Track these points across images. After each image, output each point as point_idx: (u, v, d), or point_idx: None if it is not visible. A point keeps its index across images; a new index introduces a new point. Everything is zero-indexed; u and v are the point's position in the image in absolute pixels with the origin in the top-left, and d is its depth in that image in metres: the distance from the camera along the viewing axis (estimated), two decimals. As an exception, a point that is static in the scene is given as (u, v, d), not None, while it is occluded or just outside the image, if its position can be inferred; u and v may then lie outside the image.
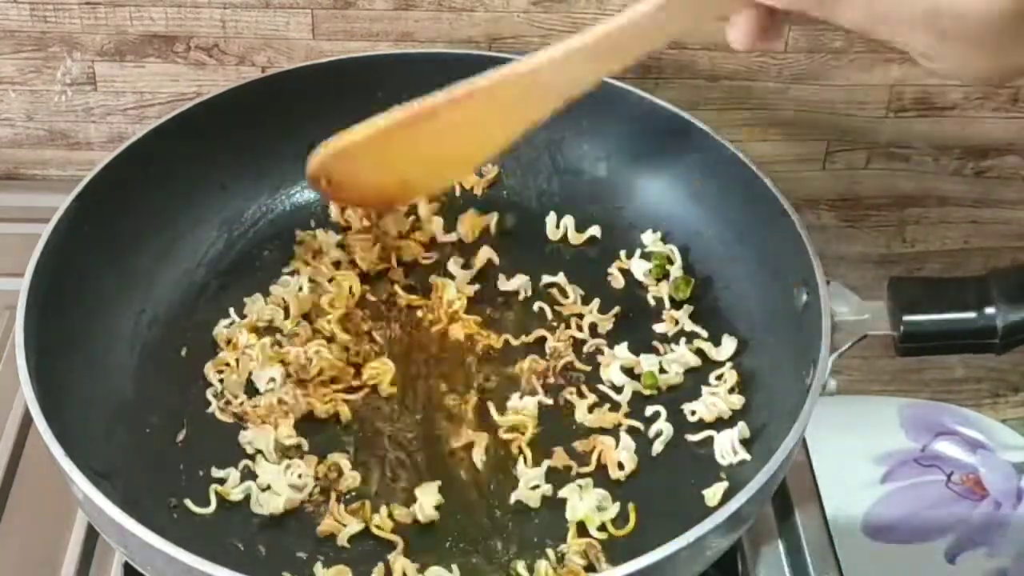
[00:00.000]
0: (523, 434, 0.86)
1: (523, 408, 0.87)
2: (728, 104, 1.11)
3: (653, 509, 0.82)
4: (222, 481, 0.82)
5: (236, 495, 0.81)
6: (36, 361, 0.77)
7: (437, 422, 0.87)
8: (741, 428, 0.85)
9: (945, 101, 1.12)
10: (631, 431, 0.87)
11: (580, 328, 0.93)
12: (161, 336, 0.91)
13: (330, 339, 0.90)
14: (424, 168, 0.85)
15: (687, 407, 0.88)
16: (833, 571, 0.85)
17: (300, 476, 0.82)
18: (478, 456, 0.84)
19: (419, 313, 0.94)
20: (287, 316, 0.92)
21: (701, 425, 0.87)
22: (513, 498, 0.82)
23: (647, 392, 0.89)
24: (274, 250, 0.98)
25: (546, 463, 0.84)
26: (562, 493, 0.82)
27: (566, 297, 0.95)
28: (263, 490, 0.81)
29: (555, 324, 0.93)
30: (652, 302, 0.95)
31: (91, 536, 0.85)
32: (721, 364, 0.90)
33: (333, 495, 0.82)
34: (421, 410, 0.88)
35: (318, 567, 0.78)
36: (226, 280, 0.95)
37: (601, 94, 0.97)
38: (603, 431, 0.87)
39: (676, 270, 0.95)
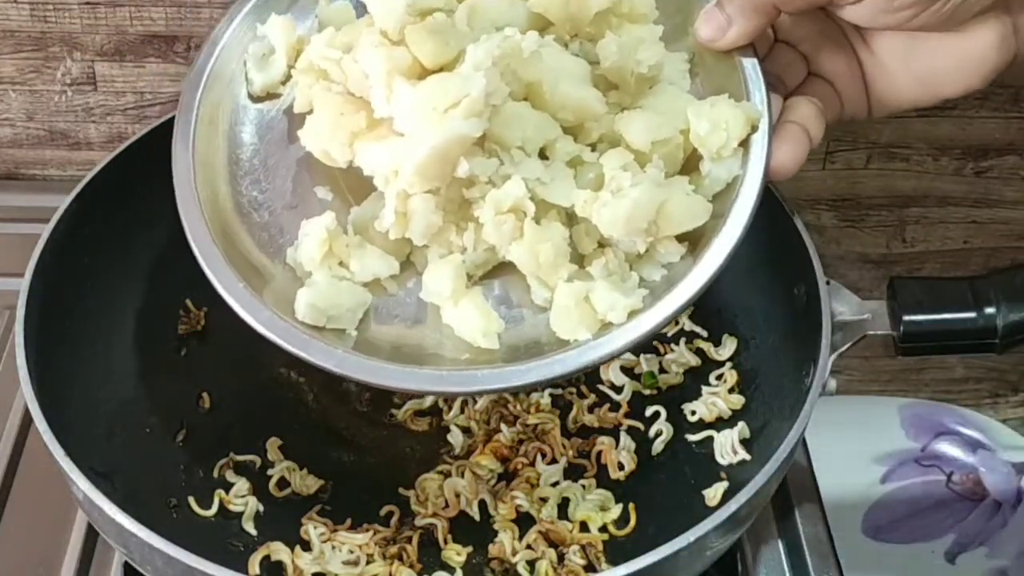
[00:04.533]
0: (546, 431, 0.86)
1: (541, 402, 0.87)
2: (728, 104, 1.11)
3: (653, 509, 0.82)
4: (229, 487, 0.82)
5: (237, 506, 0.81)
6: (36, 361, 0.77)
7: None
8: (741, 428, 0.85)
9: (945, 101, 1.12)
10: (631, 431, 0.87)
11: (580, 328, 0.93)
12: (161, 336, 0.91)
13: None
14: None
15: (687, 407, 0.88)
16: (833, 571, 0.85)
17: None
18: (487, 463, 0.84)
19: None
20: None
21: (701, 425, 0.87)
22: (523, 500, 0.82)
23: (647, 392, 0.89)
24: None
25: (564, 459, 0.84)
26: (565, 493, 0.82)
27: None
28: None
29: (555, 324, 0.93)
30: (652, 302, 0.95)
31: (91, 536, 0.85)
32: (721, 364, 0.90)
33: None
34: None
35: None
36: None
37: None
38: (603, 431, 0.87)
39: (676, 270, 0.95)
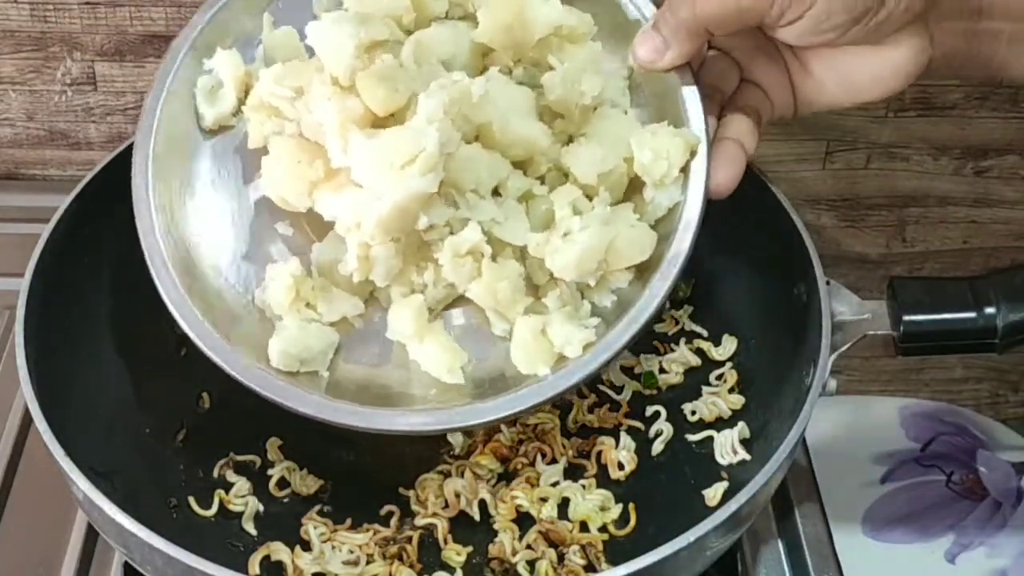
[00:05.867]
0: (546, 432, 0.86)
1: None
2: (728, 104, 1.11)
3: (653, 509, 0.82)
4: (229, 487, 0.82)
5: (237, 506, 0.81)
6: (36, 361, 0.77)
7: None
8: (741, 428, 0.85)
9: (945, 101, 1.12)
10: (631, 431, 0.87)
11: (580, 328, 0.93)
12: (160, 336, 0.91)
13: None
14: None
15: (687, 407, 0.88)
16: (833, 571, 0.85)
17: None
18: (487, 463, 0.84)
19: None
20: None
21: (701, 425, 0.87)
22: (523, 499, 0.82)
23: (647, 392, 0.89)
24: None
25: (564, 459, 0.84)
26: (565, 493, 0.82)
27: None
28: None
29: (555, 324, 0.93)
30: (652, 302, 0.95)
31: (91, 536, 0.85)
32: (721, 364, 0.90)
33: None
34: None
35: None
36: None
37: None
38: (603, 431, 0.87)
39: (676, 270, 0.95)
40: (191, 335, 0.71)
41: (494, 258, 0.70)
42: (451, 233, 0.70)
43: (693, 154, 0.71)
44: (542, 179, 0.73)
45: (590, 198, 0.71)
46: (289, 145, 0.71)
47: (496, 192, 0.71)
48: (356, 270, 0.70)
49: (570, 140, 0.74)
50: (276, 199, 0.73)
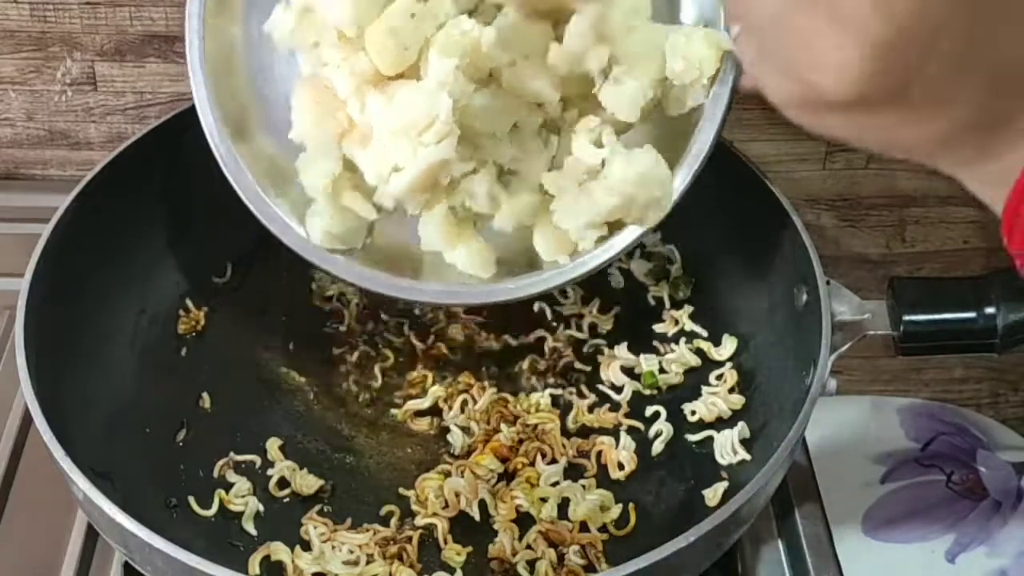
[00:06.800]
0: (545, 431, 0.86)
1: (541, 402, 0.87)
2: (728, 104, 1.11)
3: (653, 509, 0.82)
4: (229, 486, 0.82)
5: (237, 506, 0.81)
6: (36, 361, 0.77)
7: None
8: (741, 428, 0.85)
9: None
10: (631, 431, 0.87)
11: (580, 328, 0.93)
12: (161, 336, 0.91)
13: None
14: None
15: (687, 407, 0.88)
16: (833, 571, 0.85)
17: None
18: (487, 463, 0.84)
19: (417, 312, 0.94)
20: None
21: (701, 425, 0.87)
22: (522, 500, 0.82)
23: (647, 392, 0.89)
24: (277, 247, 0.98)
25: (564, 459, 0.84)
26: (565, 493, 0.82)
27: (566, 297, 0.95)
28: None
29: (555, 324, 0.93)
30: (652, 302, 0.95)
31: (91, 536, 0.85)
32: (721, 364, 0.90)
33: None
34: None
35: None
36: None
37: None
38: (603, 431, 0.87)
39: (676, 270, 0.95)
40: (246, 201, 0.76)
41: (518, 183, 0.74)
42: (475, 170, 0.73)
43: (726, 53, 0.71)
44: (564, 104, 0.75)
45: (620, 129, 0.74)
46: (312, 94, 0.73)
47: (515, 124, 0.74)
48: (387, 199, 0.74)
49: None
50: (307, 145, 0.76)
